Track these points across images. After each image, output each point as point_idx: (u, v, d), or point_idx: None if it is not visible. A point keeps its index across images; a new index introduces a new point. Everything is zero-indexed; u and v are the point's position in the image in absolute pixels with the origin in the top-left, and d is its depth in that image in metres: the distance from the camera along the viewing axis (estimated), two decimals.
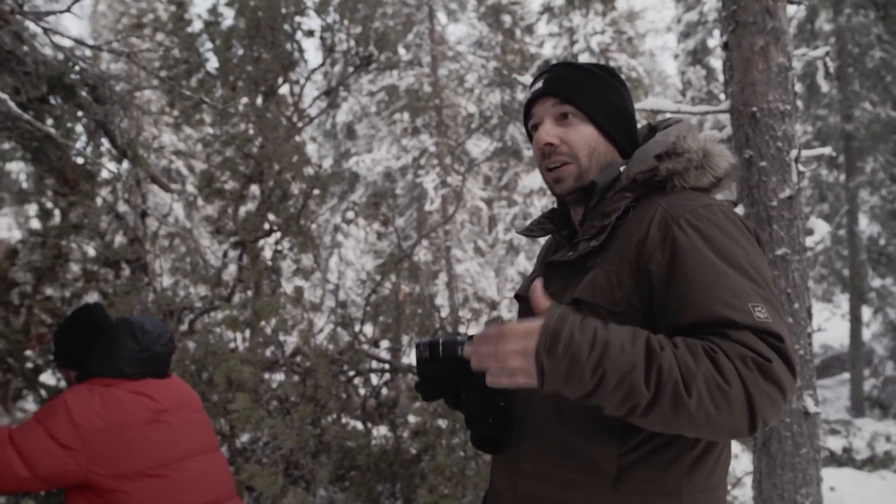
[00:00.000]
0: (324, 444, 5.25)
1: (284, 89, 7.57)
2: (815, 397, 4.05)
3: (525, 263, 23.17)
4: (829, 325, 15.64)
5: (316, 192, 5.99)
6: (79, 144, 4.51)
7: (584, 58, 22.24)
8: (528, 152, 23.13)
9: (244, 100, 7.00)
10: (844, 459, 10.62)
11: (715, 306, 1.49)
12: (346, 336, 6.17)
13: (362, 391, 6.53)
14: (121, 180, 4.63)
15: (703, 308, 1.50)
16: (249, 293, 6.23)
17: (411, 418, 5.75)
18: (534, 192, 22.74)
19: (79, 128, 4.52)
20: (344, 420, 5.93)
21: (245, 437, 5.53)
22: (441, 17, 24.55)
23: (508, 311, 9.38)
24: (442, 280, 20.18)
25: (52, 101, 4.16)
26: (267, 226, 6.20)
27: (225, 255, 6.59)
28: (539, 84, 1.92)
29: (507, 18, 24.80)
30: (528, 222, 2.08)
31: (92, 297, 5.51)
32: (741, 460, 8.73)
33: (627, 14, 23.91)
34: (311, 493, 5.07)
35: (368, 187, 24.07)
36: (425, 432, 5.24)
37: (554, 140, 1.85)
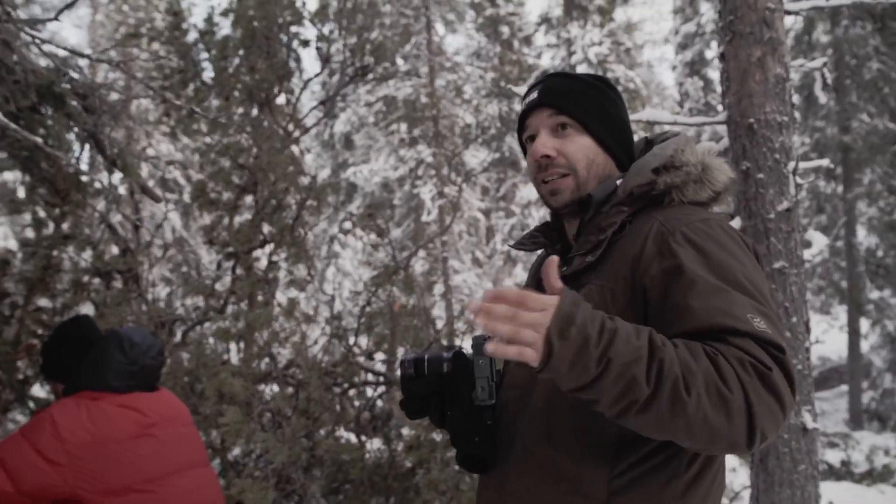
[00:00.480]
0: (316, 458, 5.19)
1: (281, 99, 7.54)
2: (813, 413, 3.99)
3: (522, 275, 23.14)
4: (828, 338, 15.59)
5: (310, 202, 5.94)
6: (71, 155, 4.47)
7: (581, 69, 22.27)
8: (525, 163, 23.05)
9: (239, 110, 6.96)
10: (843, 473, 10.56)
11: (715, 316, 1.44)
12: (341, 348, 6.12)
13: (357, 403, 6.47)
14: (111, 190, 4.57)
15: (703, 317, 1.45)
16: (243, 305, 6.18)
17: (406, 431, 5.69)
18: (531, 203, 22.77)
19: (70, 137, 4.48)
20: (338, 433, 5.87)
21: (237, 451, 5.47)
22: (439, 27, 24.58)
23: None
24: (438, 291, 20.13)
25: (43, 110, 4.11)
26: (261, 237, 6.15)
27: (219, 266, 6.54)
28: (534, 94, 1.87)
29: (505, 29, 24.86)
30: (521, 235, 2.02)
31: (84, 309, 5.47)
32: (739, 474, 8.69)
33: (625, 25, 23.98)
34: None
35: (366, 198, 24.06)
36: (419, 446, 5.18)
37: (551, 152, 1.80)
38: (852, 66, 16.56)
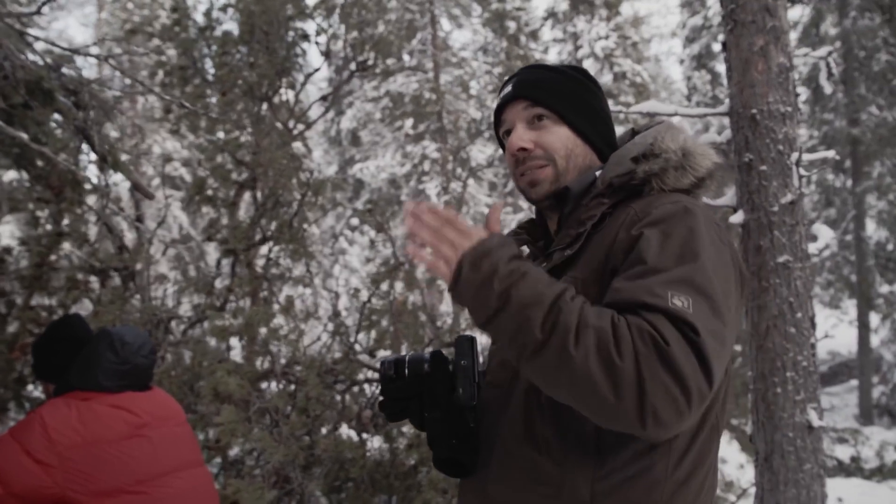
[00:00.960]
0: (315, 457, 5.13)
1: (288, 95, 7.51)
2: (819, 410, 3.91)
3: None
4: (837, 332, 15.47)
5: (309, 199, 5.87)
6: (63, 151, 4.42)
7: (588, 63, 22.19)
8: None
9: (240, 106, 6.91)
10: (852, 469, 10.45)
11: (636, 292, 1.39)
12: (342, 346, 6.08)
13: (361, 401, 6.42)
14: (104, 188, 4.52)
15: (626, 293, 1.41)
16: (242, 302, 6.13)
17: (407, 430, 5.64)
18: None
19: (62, 134, 4.43)
20: (340, 431, 5.82)
21: (238, 450, 5.43)
22: (445, 23, 24.50)
23: None
24: (444, 287, 20.06)
25: (33, 107, 4.06)
26: (260, 233, 6.10)
27: (218, 263, 6.49)
28: (508, 88, 1.82)
29: (511, 24, 24.74)
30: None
31: (81, 307, 5.43)
32: (746, 471, 8.60)
33: (632, 19, 23.83)
34: None
35: (373, 194, 24.02)
36: (421, 444, 5.14)
37: (527, 144, 1.75)
38: (861, 58, 16.44)
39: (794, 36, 17.58)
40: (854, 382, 18.98)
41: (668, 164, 1.64)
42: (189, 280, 6.09)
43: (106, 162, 4.05)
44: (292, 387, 5.54)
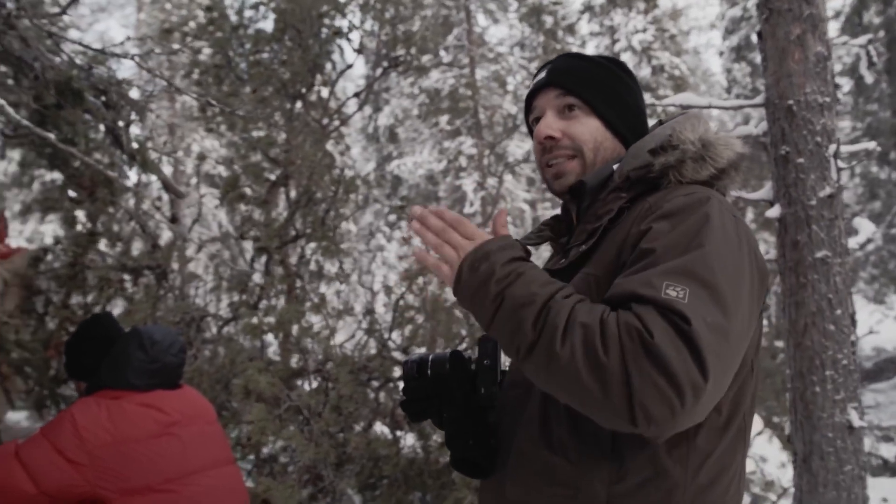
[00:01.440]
0: (347, 455, 5.13)
1: (322, 92, 7.52)
2: (860, 409, 3.79)
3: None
4: (882, 328, 15.12)
5: (341, 196, 5.87)
6: (93, 151, 4.45)
7: (625, 57, 21.97)
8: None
9: (274, 103, 6.93)
10: None
11: (632, 284, 1.36)
12: (376, 343, 6.07)
13: (395, 398, 6.40)
14: (135, 187, 4.54)
15: (624, 285, 1.38)
16: (276, 300, 6.15)
17: None
18: None
19: (94, 134, 4.46)
20: (374, 429, 5.82)
21: (271, 448, 5.45)
22: (481, 18, 24.43)
23: None
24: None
25: (64, 107, 4.09)
26: (293, 231, 6.11)
27: (252, 261, 6.51)
28: (542, 75, 1.79)
29: (548, 19, 24.59)
30: (529, 231, 1.93)
31: (115, 306, 5.47)
32: (788, 470, 8.44)
33: (670, 12, 23.54)
34: None
35: (411, 190, 24.05)
36: None
37: (556, 133, 1.71)
38: None
39: (836, 25, 17.26)
40: None
41: (685, 155, 1.58)
42: (222, 278, 6.11)
43: (135, 161, 4.07)
44: (328, 385, 5.54)
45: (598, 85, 1.74)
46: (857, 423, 3.72)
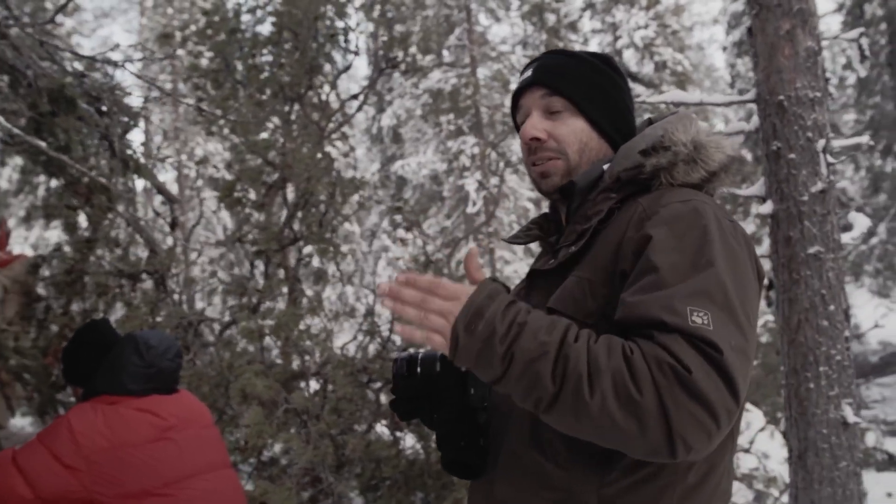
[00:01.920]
0: (346, 457, 5.13)
1: (318, 94, 7.51)
2: (854, 406, 3.77)
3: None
4: (887, 322, 15.07)
5: (337, 198, 5.87)
6: (87, 158, 4.46)
7: (628, 53, 21.92)
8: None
9: (269, 107, 6.94)
10: None
11: (652, 308, 1.33)
12: (376, 345, 6.07)
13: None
14: (127, 193, 4.56)
15: (641, 309, 1.34)
16: (275, 303, 6.15)
17: None
18: None
19: (91, 140, 4.47)
20: (375, 430, 5.82)
21: (273, 451, 5.46)
22: (482, 18, 24.42)
23: None
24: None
25: (57, 114, 4.11)
26: (291, 234, 6.11)
27: (252, 265, 6.52)
28: (528, 73, 1.76)
29: (550, 17, 24.56)
30: (518, 229, 1.92)
31: (114, 311, 5.49)
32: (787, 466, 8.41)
33: (673, 8, 23.48)
34: None
35: (415, 191, 24.04)
36: None
37: (541, 134, 1.69)
38: None
39: (839, 18, 17.20)
40: None
41: (677, 157, 1.58)
42: (221, 282, 6.12)
43: (128, 167, 4.08)
44: (329, 387, 5.54)
45: (584, 84, 1.72)
46: (851, 419, 3.71)
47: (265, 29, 7.45)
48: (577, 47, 24.45)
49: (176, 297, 5.42)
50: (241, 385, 4.50)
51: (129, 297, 5.15)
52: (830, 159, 3.64)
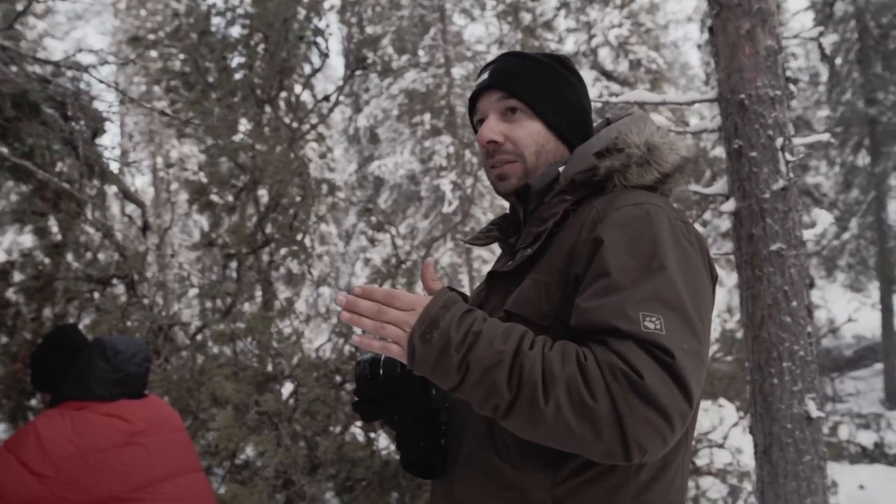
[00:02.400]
0: (319, 459, 5.12)
1: (290, 96, 7.49)
2: (818, 400, 3.82)
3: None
4: (860, 315, 15.21)
5: (308, 200, 5.86)
6: (53, 164, 4.43)
7: (603, 52, 21.98)
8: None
9: (240, 110, 6.90)
10: (876, 455, 10.23)
11: (605, 314, 1.35)
12: (349, 346, 6.07)
13: None
14: (93, 198, 4.53)
15: (594, 315, 1.37)
16: (247, 306, 6.13)
17: None
18: None
19: (57, 146, 4.44)
20: (350, 431, 5.82)
21: (247, 454, 5.44)
22: (457, 18, 24.39)
23: None
24: (466, 283, 20.06)
25: (21, 119, 4.08)
26: (262, 237, 6.09)
27: (224, 267, 6.50)
28: (485, 76, 1.77)
29: (526, 16, 24.58)
30: (478, 230, 1.93)
31: (86, 316, 5.45)
32: None
33: (647, 6, 23.57)
34: None
35: (393, 191, 24.00)
36: None
37: (497, 137, 1.70)
38: (876, 36, 16.15)
39: (810, 16, 17.34)
40: (880, 366, 18.68)
41: (630, 159, 1.59)
42: (192, 285, 6.09)
43: (93, 171, 4.06)
44: (303, 389, 5.54)
45: (541, 86, 1.73)
46: (815, 413, 3.75)
47: (236, 31, 7.42)
48: (553, 46, 24.53)
49: (147, 301, 5.39)
50: (210, 388, 4.49)
51: (100, 301, 5.12)
52: (789, 157, 3.68)
